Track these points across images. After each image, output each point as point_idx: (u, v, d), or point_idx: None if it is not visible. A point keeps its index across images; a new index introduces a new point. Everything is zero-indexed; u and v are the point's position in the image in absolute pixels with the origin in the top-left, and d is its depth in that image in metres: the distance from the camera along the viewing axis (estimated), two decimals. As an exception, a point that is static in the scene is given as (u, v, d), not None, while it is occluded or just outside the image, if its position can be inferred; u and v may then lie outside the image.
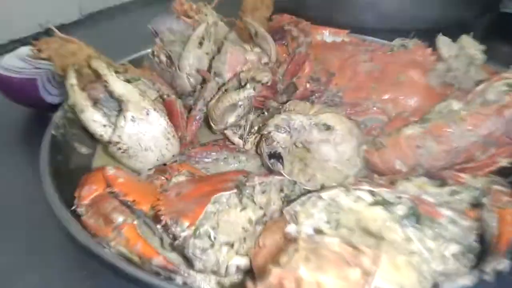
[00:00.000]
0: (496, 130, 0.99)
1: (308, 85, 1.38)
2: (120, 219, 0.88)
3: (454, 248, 0.75)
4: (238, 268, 0.90)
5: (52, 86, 1.44)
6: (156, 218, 0.88)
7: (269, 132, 1.07)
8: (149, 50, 1.45)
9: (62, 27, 2.11)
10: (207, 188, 0.93)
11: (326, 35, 1.62)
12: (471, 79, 1.25)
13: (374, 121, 1.27)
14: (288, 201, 1.01)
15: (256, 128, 1.21)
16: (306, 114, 1.06)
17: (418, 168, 1.05)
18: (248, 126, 1.23)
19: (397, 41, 1.38)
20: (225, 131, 1.21)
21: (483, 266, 0.75)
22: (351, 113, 1.28)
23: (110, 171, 1.03)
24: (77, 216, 0.96)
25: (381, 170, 1.11)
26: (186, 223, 0.82)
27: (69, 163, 1.21)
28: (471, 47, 1.27)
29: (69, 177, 1.11)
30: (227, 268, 0.88)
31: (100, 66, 1.10)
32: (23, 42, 1.90)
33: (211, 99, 1.20)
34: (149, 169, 1.15)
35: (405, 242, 0.81)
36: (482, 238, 0.85)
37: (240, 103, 1.13)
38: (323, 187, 0.92)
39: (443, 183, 0.98)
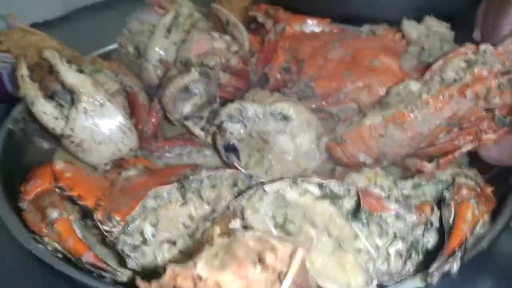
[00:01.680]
0: (458, 111, 0.92)
1: (279, 76, 1.32)
2: (54, 214, 0.84)
3: (397, 244, 0.68)
4: (181, 266, 0.84)
5: (19, 80, 1.40)
6: (93, 213, 0.83)
7: (222, 122, 1.01)
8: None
9: (46, 23, 2.10)
10: (151, 182, 0.88)
11: (308, 24, 1.55)
12: None
13: (348, 111, 1.20)
14: (241, 196, 0.95)
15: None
16: (262, 102, 1.00)
17: (383, 158, 0.98)
18: (211, 117, 1.17)
19: (366, 27, 1.32)
20: (186, 122, 1.15)
21: (430, 267, 0.68)
22: (323, 105, 1.22)
23: (58, 165, 0.98)
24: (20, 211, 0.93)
25: (346, 163, 1.05)
26: (117, 219, 0.77)
27: (27, 158, 1.17)
28: (437, 26, 1.22)
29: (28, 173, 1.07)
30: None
31: (51, 55, 1.06)
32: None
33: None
34: (106, 164, 1.11)
35: (352, 239, 0.74)
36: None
37: (194, 90, 1.07)
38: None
39: (407, 174, 0.91)
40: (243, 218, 0.82)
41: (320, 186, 0.80)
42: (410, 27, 1.23)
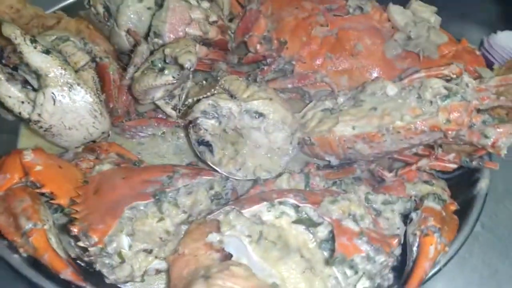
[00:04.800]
0: (427, 140, 0.95)
1: (259, 46, 1.26)
2: (28, 225, 0.82)
3: (364, 283, 0.73)
4: (157, 270, 0.88)
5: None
6: (68, 228, 0.83)
7: (196, 119, 0.98)
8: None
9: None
10: (125, 191, 0.87)
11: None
12: (433, 44, 1.16)
13: (323, 94, 1.19)
14: (217, 199, 0.97)
15: (190, 100, 1.09)
16: (238, 98, 0.97)
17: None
18: (183, 96, 1.12)
19: (353, 1, 1.24)
20: (157, 102, 1.11)
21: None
22: (299, 85, 1.19)
23: (27, 156, 0.94)
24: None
25: (313, 157, 1.09)
26: (95, 239, 0.78)
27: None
28: (423, 11, 1.17)
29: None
30: (145, 271, 0.86)
31: (13, 33, 0.95)
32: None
33: (138, 69, 1.08)
34: (77, 147, 1.07)
35: (322, 265, 0.79)
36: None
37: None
38: (243, 202, 0.85)
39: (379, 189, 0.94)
40: (218, 232, 0.84)
41: (296, 208, 0.82)
42: (396, 12, 1.17)
